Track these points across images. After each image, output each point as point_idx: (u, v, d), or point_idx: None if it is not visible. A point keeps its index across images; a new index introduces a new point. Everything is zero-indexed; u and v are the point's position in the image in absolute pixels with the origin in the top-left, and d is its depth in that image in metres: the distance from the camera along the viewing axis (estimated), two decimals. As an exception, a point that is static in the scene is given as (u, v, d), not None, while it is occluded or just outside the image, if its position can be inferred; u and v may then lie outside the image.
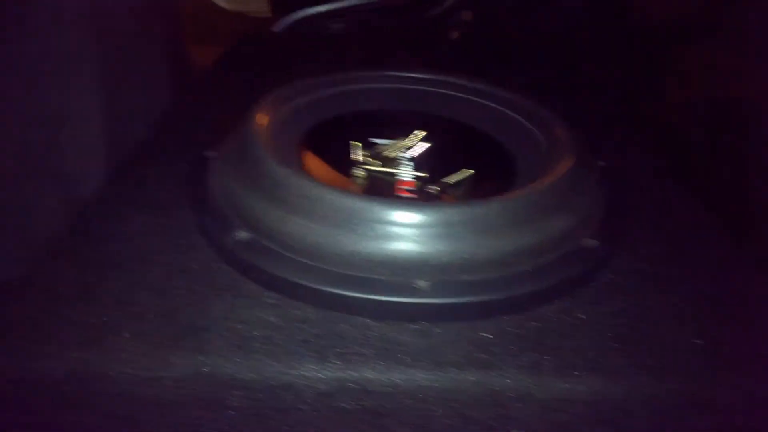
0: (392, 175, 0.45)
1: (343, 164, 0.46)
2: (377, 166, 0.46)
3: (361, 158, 0.46)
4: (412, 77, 0.53)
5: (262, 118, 0.43)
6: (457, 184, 0.44)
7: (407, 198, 0.42)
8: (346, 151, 0.47)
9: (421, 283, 0.32)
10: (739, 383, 0.30)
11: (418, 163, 0.47)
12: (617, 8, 1.08)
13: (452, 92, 0.52)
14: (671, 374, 0.30)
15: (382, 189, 0.44)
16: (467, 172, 0.45)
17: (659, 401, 0.29)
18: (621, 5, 1.05)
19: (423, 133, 0.49)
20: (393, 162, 0.47)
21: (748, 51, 0.72)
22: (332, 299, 0.33)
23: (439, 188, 0.43)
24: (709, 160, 0.75)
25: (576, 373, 0.30)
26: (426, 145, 0.49)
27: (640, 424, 0.30)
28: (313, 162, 0.45)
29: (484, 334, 0.32)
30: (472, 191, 0.44)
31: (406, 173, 0.45)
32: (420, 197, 0.43)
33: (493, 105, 0.50)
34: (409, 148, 0.48)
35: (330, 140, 0.48)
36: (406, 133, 0.50)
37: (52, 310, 0.32)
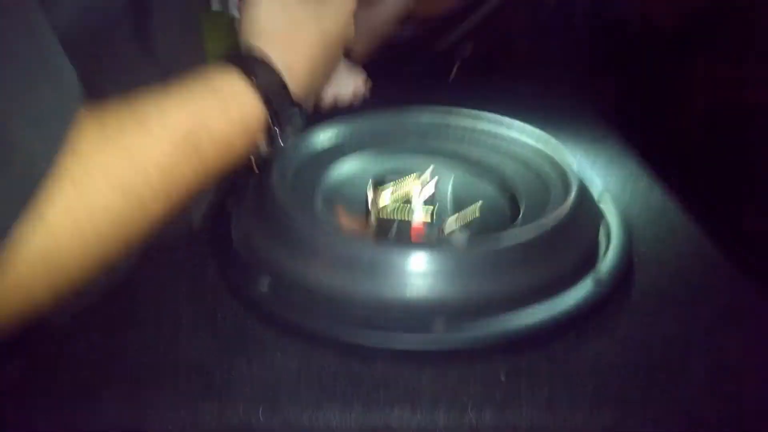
0: (405, 218, 0.46)
1: (360, 208, 0.48)
2: (391, 208, 0.48)
3: (376, 202, 0.48)
4: (426, 116, 0.56)
5: (280, 171, 0.45)
6: (466, 223, 0.46)
7: (421, 242, 0.44)
8: (362, 195, 0.49)
9: (438, 326, 0.34)
10: (750, 412, 0.31)
11: (430, 202, 0.49)
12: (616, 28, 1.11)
13: (462, 129, 0.54)
14: (682, 405, 0.31)
15: (397, 232, 0.45)
16: (475, 211, 0.47)
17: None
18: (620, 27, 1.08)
19: (431, 168, 0.52)
20: (406, 203, 0.49)
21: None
22: (354, 348, 0.34)
23: (449, 229, 0.45)
24: (710, 183, 0.76)
25: (589, 407, 0.31)
26: (435, 183, 0.51)
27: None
28: (331, 209, 0.47)
29: (500, 373, 0.33)
30: (481, 230, 0.46)
31: (418, 216, 0.47)
32: (432, 238, 0.45)
33: (500, 142, 0.52)
34: (422, 187, 0.50)
35: (346, 186, 0.51)
36: (418, 171, 0.52)
37: (87, 368, 0.34)
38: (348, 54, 0.71)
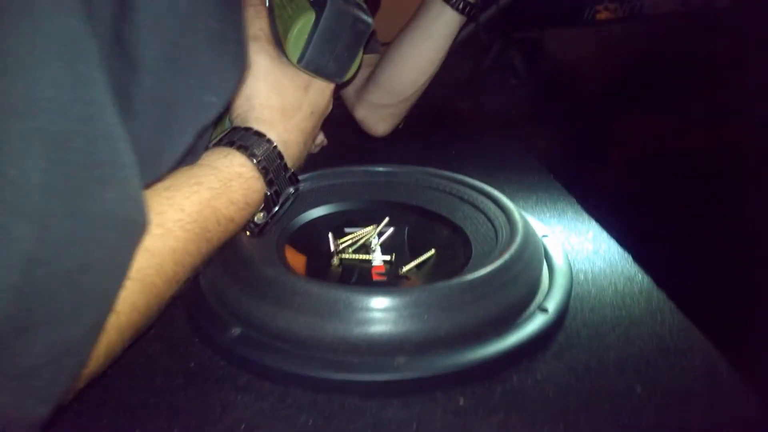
0: (365, 261, 0.50)
1: (321, 254, 0.51)
2: (352, 254, 0.51)
3: (336, 248, 0.51)
4: (376, 171, 0.60)
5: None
6: (421, 265, 0.50)
7: (381, 283, 0.47)
8: (323, 243, 0.52)
9: (400, 360, 0.37)
10: (676, 425, 0.35)
11: (387, 247, 0.52)
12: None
13: (414, 182, 0.59)
14: (620, 421, 0.35)
15: (357, 274, 0.48)
16: (430, 254, 0.51)
17: (614, 445, 0.34)
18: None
19: (386, 219, 0.55)
20: (365, 248, 0.52)
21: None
22: (323, 384, 0.36)
23: (406, 270, 0.49)
24: (649, 218, 0.83)
25: (541, 428, 0.34)
26: (391, 231, 0.54)
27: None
28: (293, 256, 0.50)
29: (459, 400, 0.36)
30: (435, 271, 0.49)
31: (377, 259, 0.50)
32: (390, 280, 0.48)
33: (449, 192, 0.56)
34: (380, 234, 0.54)
35: (307, 233, 0.54)
36: (375, 220, 0.56)
37: (63, 416, 0.35)
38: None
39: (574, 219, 0.60)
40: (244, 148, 0.39)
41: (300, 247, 0.52)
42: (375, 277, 0.48)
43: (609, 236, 0.56)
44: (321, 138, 0.80)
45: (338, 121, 0.91)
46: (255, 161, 0.39)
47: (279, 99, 0.42)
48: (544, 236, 0.52)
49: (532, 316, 0.41)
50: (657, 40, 1.07)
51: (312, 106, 0.45)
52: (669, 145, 0.97)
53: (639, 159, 0.95)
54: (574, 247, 0.54)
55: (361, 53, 0.45)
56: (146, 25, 0.29)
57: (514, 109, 1.28)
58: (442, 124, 1.16)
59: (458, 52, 1.29)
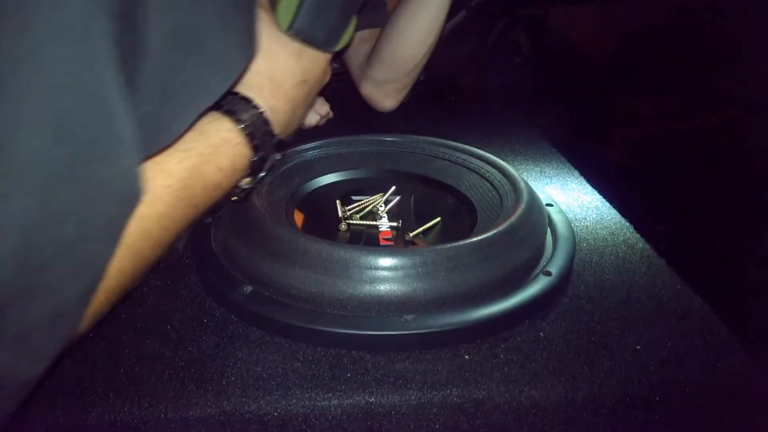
0: (372, 227, 0.51)
1: (329, 220, 0.52)
2: (359, 220, 0.52)
3: (344, 214, 0.52)
4: (384, 140, 0.60)
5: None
6: (427, 231, 0.51)
7: (389, 246, 0.48)
8: (331, 209, 0.53)
9: (408, 317, 0.38)
10: (673, 378, 0.36)
11: (394, 214, 0.53)
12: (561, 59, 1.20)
13: (420, 152, 0.59)
14: (619, 376, 0.36)
15: (365, 239, 0.49)
16: (436, 221, 0.52)
17: (612, 399, 0.35)
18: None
19: (393, 188, 0.56)
20: (372, 215, 0.53)
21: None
22: (333, 338, 0.38)
23: (413, 235, 0.50)
24: (649, 192, 0.84)
25: (542, 382, 0.36)
26: (398, 199, 0.55)
27: (599, 421, 0.36)
28: (302, 218, 0.51)
29: (464, 356, 0.37)
30: (441, 236, 0.50)
31: (384, 225, 0.51)
32: (398, 244, 0.49)
33: (456, 161, 0.57)
34: (387, 202, 0.55)
35: (315, 199, 0.55)
36: (382, 189, 0.57)
37: (86, 365, 0.36)
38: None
39: (576, 190, 0.61)
40: (231, 113, 0.39)
41: (308, 213, 0.53)
42: (382, 242, 0.49)
43: (611, 207, 0.57)
44: (327, 109, 0.81)
45: (345, 94, 0.92)
46: (242, 126, 0.39)
47: (269, 65, 0.42)
48: (548, 205, 0.53)
49: (536, 278, 0.42)
50: (663, 18, 1.07)
51: (304, 74, 0.44)
52: (671, 122, 0.97)
53: (641, 135, 0.95)
54: (576, 217, 0.55)
55: (353, 21, 0.45)
56: (156, 1, 0.29)
57: (519, 86, 1.28)
58: (447, 99, 1.17)
59: (464, 28, 1.28)
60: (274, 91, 0.42)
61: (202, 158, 0.37)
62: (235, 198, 0.43)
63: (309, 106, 0.48)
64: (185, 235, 0.51)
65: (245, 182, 0.42)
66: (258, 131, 0.40)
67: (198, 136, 0.38)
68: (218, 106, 0.40)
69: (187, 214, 0.36)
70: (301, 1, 0.41)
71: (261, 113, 0.41)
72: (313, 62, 0.44)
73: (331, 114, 0.82)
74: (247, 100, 0.40)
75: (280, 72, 0.42)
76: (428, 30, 0.79)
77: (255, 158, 0.41)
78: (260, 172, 0.42)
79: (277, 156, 0.43)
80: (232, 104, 0.40)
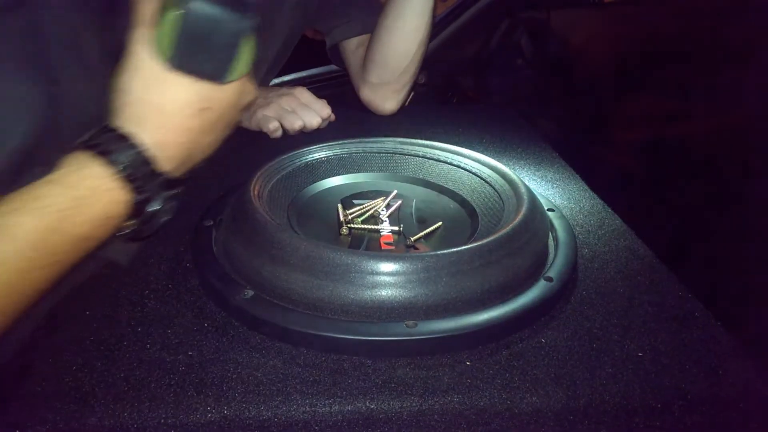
0: (374, 231, 0.51)
1: (330, 223, 0.52)
2: (360, 224, 0.52)
3: (345, 218, 0.52)
4: (385, 145, 0.60)
5: (257, 188, 0.48)
6: (429, 235, 0.51)
7: (391, 251, 0.48)
8: (332, 213, 0.53)
9: (409, 323, 0.38)
10: (675, 385, 0.36)
11: (395, 219, 0.53)
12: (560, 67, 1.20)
13: (422, 156, 0.59)
14: (621, 383, 0.36)
15: (366, 243, 0.49)
16: (437, 225, 0.52)
17: (614, 406, 0.35)
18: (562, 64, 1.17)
19: (394, 192, 0.56)
20: (373, 220, 0.53)
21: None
22: (334, 343, 0.38)
23: (414, 240, 0.50)
24: (650, 197, 0.84)
25: (544, 388, 0.35)
26: (399, 203, 0.55)
27: (602, 427, 0.35)
28: (304, 224, 0.51)
29: (465, 362, 0.37)
30: (443, 241, 0.50)
31: (386, 229, 0.51)
32: (399, 249, 0.49)
33: (457, 166, 0.57)
34: (388, 206, 0.54)
35: (316, 203, 0.55)
36: (383, 193, 0.57)
37: (86, 370, 0.36)
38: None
39: (578, 195, 0.61)
40: (105, 154, 0.35)
41: (310, 217, 0.52)
42: (383, 246, 0.49)
43: (612, 212, 0.57)
44: (328, 112, 0.81)
45: (346, 98, 0.92)
46: (117, 169, 0.35)
47: (157, 95, 0.38)
48: (549, 210, 0.53)
49: (537, 284, 0.42)
50: (664, 22, 1.07)
51: (204, 102, 0.39)
52: (672, 126, 0.97)
53: (642, 139, 0.95)
54: (578, 222, 0.55)
55: (248, 48, 0.39)
56: None
57: (520, 89, 1.28)
58: (448, 102, 1.17)
59: (465, 31, 1.28)
60: (163, 123, 0.38)
61: (61, 214, 0.34)
62: (128, 239, 0.40)
63: (223, 131, 0.43)
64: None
65: (129, 224, 0.38)
66: (138, 172, 0.36)
67: (57, 189, 0.34)
68: (93, 145, 0.36)
69: (48, 272, 0.34)
70: (174, 34, 0.37)
71: (142, 151, 0.37)
72: (216, 88, 0.39)
73: (332, 117, 0.82)
74: (125, 137, 0.37)
75: (170, 102, 0.38)
76: (416, 26, 0.79)
77: (138, 200, 0.37)
78: (146, 214, 0.38)
79: (172, 192, 0.39)
80: (106, 143, 0.36)
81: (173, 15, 0.36)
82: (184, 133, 0.39)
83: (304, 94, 0.82)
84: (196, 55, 0.37)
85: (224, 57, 0.38)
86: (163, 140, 0.38)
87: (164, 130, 0.38)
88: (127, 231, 0.39)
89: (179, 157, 0.39)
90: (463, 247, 0.41)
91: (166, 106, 0.38)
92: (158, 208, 0.38)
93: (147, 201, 0.38)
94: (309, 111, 0.80)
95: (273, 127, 0.78)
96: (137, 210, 0.37)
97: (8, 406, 0.34)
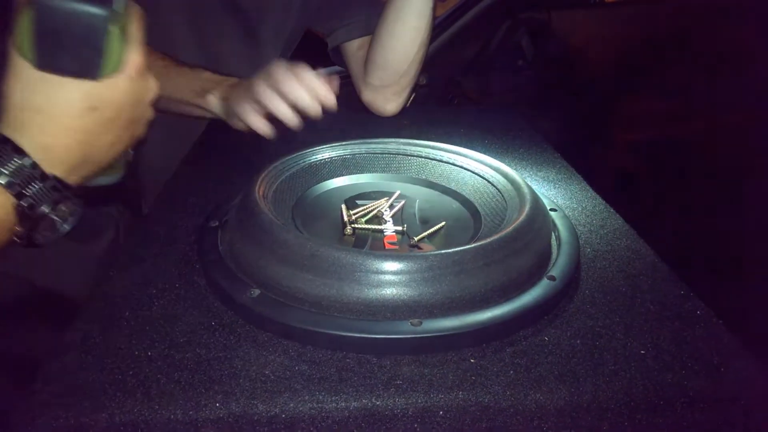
0: (377, 231, 0.51)
1: (334, 225, 0.53)
2: (364, 224, 0.52)
3: (349, 218, 0.52)
4: (388, 145, 0.61)
5: (262, 189, 0.49)
6: (432, 235, 0.51)
7: (396, 250, 0.49)
8: (336, 213, 0.54)
9: (414, 321, 0.39)
10: (677, 383, 0.36)
11: (398, 219, 0.54)
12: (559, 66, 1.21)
13: (425, 156, 0.60)
14: (624, 380, 0.36)
15: (370, 243, 0.50)
16: (440, 225, 0.52)
17: (617, 403, 0.35)
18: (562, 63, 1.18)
19: (397, 193, 0.57)
20: (377, 220, 0.53)
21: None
22: (340, 341, 0.38)
23: (417, 240, 0.50)
24: (651, 197, 0.85)
25: (548, 386, 0.36)
26: (403, 203, 0.56)
27: (604, 424, 0.36)
28: (308, 224, 0.51)
29: (470, 360, 0.38)
30: (446, 241, 0.51)
31: (389, 229, 0.51)
32: (402, 249, 0.49)
33: (460, 166, 0.58)
34: (391, 207, 0.55)
35: (320, 204, 0.55)
36: (386, 194, 0.57)
37: (95, 368, 0.37)
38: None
39: (580, 195, 0.61)
40: None
41: (314, 217, 0.53)
42: (387, 246, 0.49)
43: (614, 212, 0.58)
44: (321, 87, 0.67)
45: (349, 99, 0.92)
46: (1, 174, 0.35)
47: (40, 97, 0.37)
48: (552, 210, 0.53)
49: (540, 283, 0.43)
50: (664, 21, 1.07)
51: (88, 101, 0.37)
52: (673, 126, 0.98)
53: (643, 139, 0.96)
54: (580, 221, 0.55)
55: (117, 44, 0.37)
56: None
57: (521, 89, 1.29)
58: (449, 103, 1.18)
59: (466, 32, 1.29)
60: (45, 126, 0.37)
61: None
62: (22, 244, 0.38)
63: (126, 130, 0.42)
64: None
65: (21, 230, 0.37)
66: (22, 176, 0.36)
67: None
68: None
69: None
70: (31, 32, 0.35)
71: (22, 156, 0.36)
72: (99, 85, 0.38)
73: (331, 99, 0.67)
74: (6, 143, 0.36)
75: (53, 104, 0.37)
76: (416, 27, 0.79)
77: (24, 205, 0.36)
78: (35, 219, 0.37)
79: (65, 195, 0.38)
80: None
81: (27, 12, 0.35)
82: (72, 135, 0.38)
83: (279, 70, 0.66)
84: (57, 52, 0.36)
85: (89, 52, 0.36)
86: (48, 143, 0.37)
87: (47, 133, 0.37)
88: (21, 237, 0.37)
89: (70, 160, 0.38)
90: (468, 246, 0.41)
91: (47, 109, 0.37)
92: (48, 211, 0.37)
93: (34, 206, 0.37)
94: (293, 86, 0.65)
95: (256, 122, 0.67)
96: (26, 215, 0.37)
97: (19, 404, 0.34)
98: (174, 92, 0.76)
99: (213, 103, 0.75)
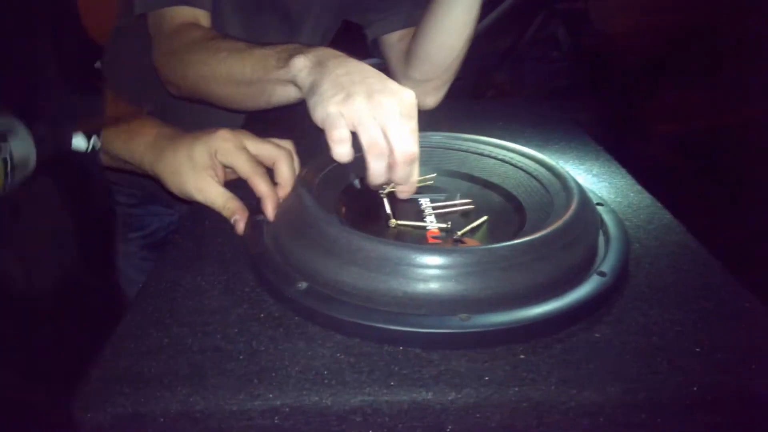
0: (421, 227, 0.51)
1: (378, 216, 0.53)
2: (405, 218, 0.52)
3: (393, 212, 0.52)
4: (428, 139, 0.61)
5: (307, 182, 0.49)
6: (475, 230, 0.51)
7: (443, 245, 0.48)
8: (379, 206, 0.54)
9: (463, 316, 0.38)
10: (733, 383, 0.36)
11: (440, 214, 0.53)
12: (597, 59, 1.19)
13: (465, 150, 0.59)
14: (678, 378, 0.36)
15: (412, 237, 0.50)
16: (483, 219, 0.52)
17: (672, 401, 0.35)
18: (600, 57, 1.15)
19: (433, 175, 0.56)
20: (419, 215, 0.53)
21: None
22: (389, 335, 0.38)
23: (461, 234, 0.50)
24: (695, 189, 0.83)
25: (600, 383, 0.35)
26: (444, 198, 0.55)
27: (658, 422, 0.35)
28: (352, 216, 0.51)
29: (519, 356, 0.38)
30: (490, 235, 0.50)
31: (432, 224, 0.51)
32: (446, 243, 0.49)
33: (502, 160, 0.57)
34: (433, 201, 0.55)
35: (362, 197, 0.55)
36: (428, 188, 0.57)
37: (149, 359, 0.38)
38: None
39: (626, 189, 0.60)
40: None
41: (358, 210, 0.53)
42: (430, 240, 0.49)
43: (661, 206, 0.56)
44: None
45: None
46: None
47: None
48: (598, 204, 0.52)
49: (590, 279, 0.42)
50: (707, 9, 1.04)
51: None
52: (717, 118, 0.95)
53: (687, 132, 0.93)
54: (626, 216, 0.54)
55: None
56: None
57: (557, 82, 1.27)
58: (483, 96, 1.16)
59: (500, 24, 1.27)
60: None
61: None
62: None
63: None
64: None
65: None
66: None
67: None
68: None
69: None
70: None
71: None
72: None
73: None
74: None
75: None
76: (464, 22, 0.77)
77: None
78: None
79: None
80: None
81: None
82: None
83: (408, 101, 0.51)
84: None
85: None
86: None
87: None
88: None
89: None
90: (517, 241, 0.41)
91: None
92: None
93: None
94: (402, 137, 0.49)
95: (338, 136, 0.49)
96: None
97: (77, 392, 0.35)
98: (253, 71, 0.64)
99: (300, 63, 0.58)
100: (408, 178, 0.51)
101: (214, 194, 0.54)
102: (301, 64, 0.58)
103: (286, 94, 0.62)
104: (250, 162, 0.54)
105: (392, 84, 0.51)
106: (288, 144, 0.59)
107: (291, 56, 0.59)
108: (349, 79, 0.51)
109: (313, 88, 0.54)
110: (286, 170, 0.55)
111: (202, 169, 0.55)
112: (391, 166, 0.49)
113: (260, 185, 0.53)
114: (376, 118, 0.48)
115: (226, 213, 0.53)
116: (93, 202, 0.55)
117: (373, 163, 0.50)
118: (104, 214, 0.58)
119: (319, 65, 0.56)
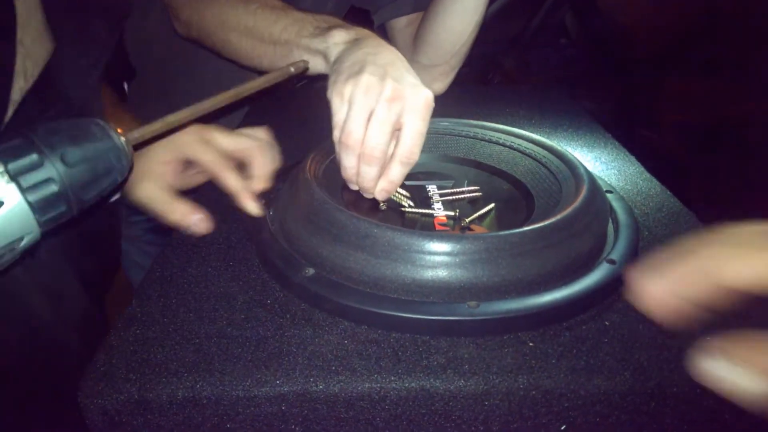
0: (427, 215, 0.50)
1: (378, 203, 0.52)
2: (411, 205, 0.52)
3: (400, 199, 0.52)
4: (436, 125, 0.60)
5: (313, 168, 0.49)
6: (483, 217, 0.50)
7: (451, 232, 0.48)
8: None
9: (471, 303, 0.38)
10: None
11: (447, 201, 0.53)
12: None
13: (473, 137, 0.59)
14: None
15: (420, 225, 0.49)
16: (490, 207, 0.51)
17: (683, 389, 0.34)
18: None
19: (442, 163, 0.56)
20: (426, 202, 0.53)
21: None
22: (397, 322, 0.38)
23: (468, 221, 0.49)
24: (703, 178, 0.82)
25: (610, 370, 0.35)
26: (452, 185, 0.55)
27: (667, 410, 0.35)
28: (358, 203, 0.51)
29: (528, 344, 0.37)
30: (498, 223, 0.50)
31: (439, 211, 0.51)
32: (455, 230, 0.49)
33: (509, 146, 0.56)
34: (440, 188, 0.54)
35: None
36: (435, 175, 0.56)
37: (156, 345, 0.37)
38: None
39: (635, 177, 0.59)
40: None
41: (363, 197, 0.53)
42: (438, 227, 0.49)
43: (671, 195, 0.56)
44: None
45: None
46: None
47: None
48: (607, 191, 0.51)
49: (600, 266, 0.42)
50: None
51: None
52: (725, 108, 0.93)
53: (696, 121, 0.92)
54: (636, 204, 0.54)
55: None
56: None
57: (565, 69, 1.26)
58: (489, 82, 1.15)
59: (507, 9, 1.26)
60: None
61: None
62: None
63: None
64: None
65: None
66: None
67: None
68: None
69: None
70: None
71: None
72: None
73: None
74: None
75: None
76: (474, 7, 0.76)
77: None
78: None
79: None
80: None
81: None
82: None
83: (422, 98, 0.48)
84: None
85: None
86: None
87: None
88: None
89: None
90: (526, 228, 0.40)
91: None
92: None
93: None
94: (407, 136, 0.49)
95: (339, 120, 0.49)
96: None
97: (85, 380, 0.35)
98: (284, 32, 0.61)
99: (338, 37, 0.56)
100: (396, 182, 0.49)
101: (156, 198, 0.49)
102: (339, 38, 0.56)
103: (310, 64, 0.58)
104: (214, 155, 0.50)
105: (413, 78, 0.50)
106: (262, 133, 0.55)
107: (331, 28, 0.58)
108: (373, 59, 0.50)
109: (337, 62, 0.53)
110: (262, 161, 0.51)
111: (157, 169, 0.49)
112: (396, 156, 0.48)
113: (228, 180, 0.49)
114: (378, 102, 0.46)
115: (172, 218, 0.48)
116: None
117: (342, 153, 0.48)
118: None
119: (356, 43, 0.54)
